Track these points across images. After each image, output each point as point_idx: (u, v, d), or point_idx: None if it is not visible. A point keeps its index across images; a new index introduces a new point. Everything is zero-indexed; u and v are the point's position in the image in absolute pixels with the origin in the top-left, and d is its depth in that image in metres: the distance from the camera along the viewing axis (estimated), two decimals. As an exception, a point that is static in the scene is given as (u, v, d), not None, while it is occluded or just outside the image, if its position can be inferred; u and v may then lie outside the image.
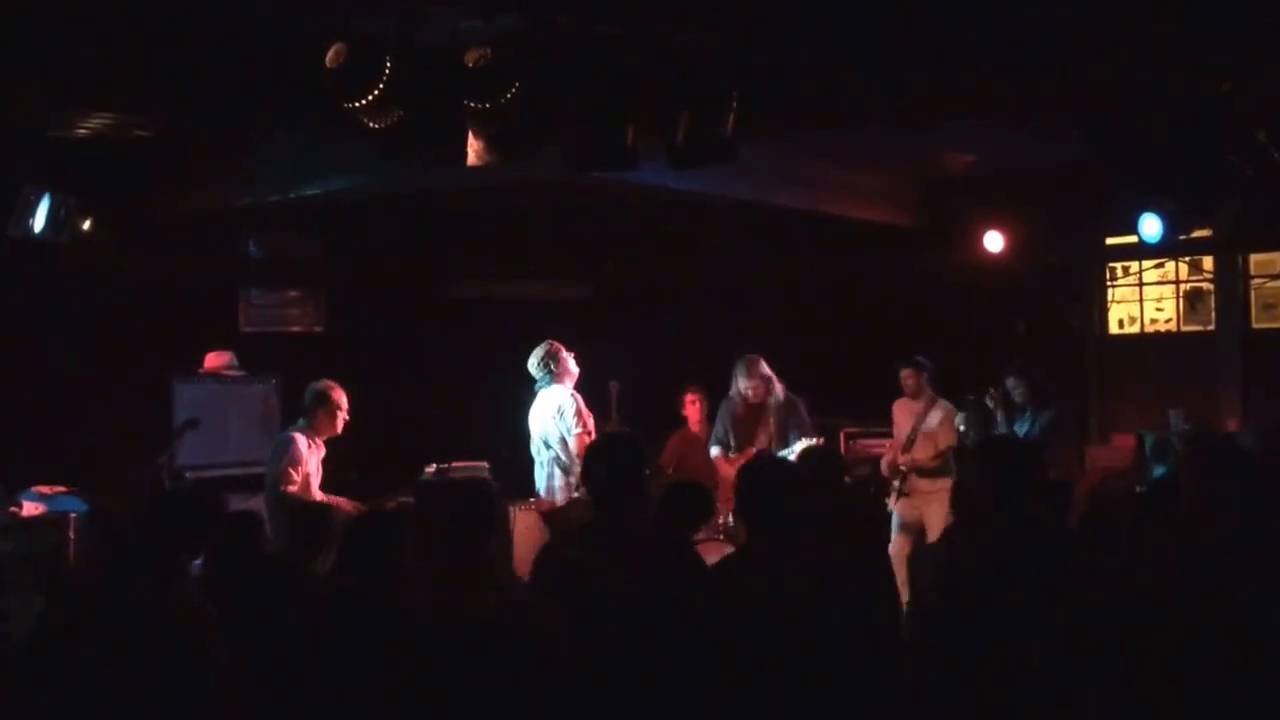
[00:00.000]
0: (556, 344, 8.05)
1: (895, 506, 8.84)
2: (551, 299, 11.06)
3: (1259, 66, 6.93)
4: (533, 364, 8.03)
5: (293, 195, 8.56)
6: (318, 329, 10.88)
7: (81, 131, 7.78)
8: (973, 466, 5.24)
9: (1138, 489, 8.97)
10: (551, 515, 7.79)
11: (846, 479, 9.20)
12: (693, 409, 9.75)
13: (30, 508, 7.33)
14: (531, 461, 8.16)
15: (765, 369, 8.37)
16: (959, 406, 9.00)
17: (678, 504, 5.51)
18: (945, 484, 8.25)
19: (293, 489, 6.89)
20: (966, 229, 10.23)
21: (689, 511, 5.59)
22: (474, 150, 6.28)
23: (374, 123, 5.96)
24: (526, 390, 8.16)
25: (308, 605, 4.52)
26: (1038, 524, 4.36)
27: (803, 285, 11.21)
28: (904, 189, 10.44)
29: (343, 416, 7.23)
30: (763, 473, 4.61)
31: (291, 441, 7.05)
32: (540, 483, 8.02)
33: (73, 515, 7.27)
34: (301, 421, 7.22)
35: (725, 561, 4.57)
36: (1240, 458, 4.48)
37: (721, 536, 8.46)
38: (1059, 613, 3.90)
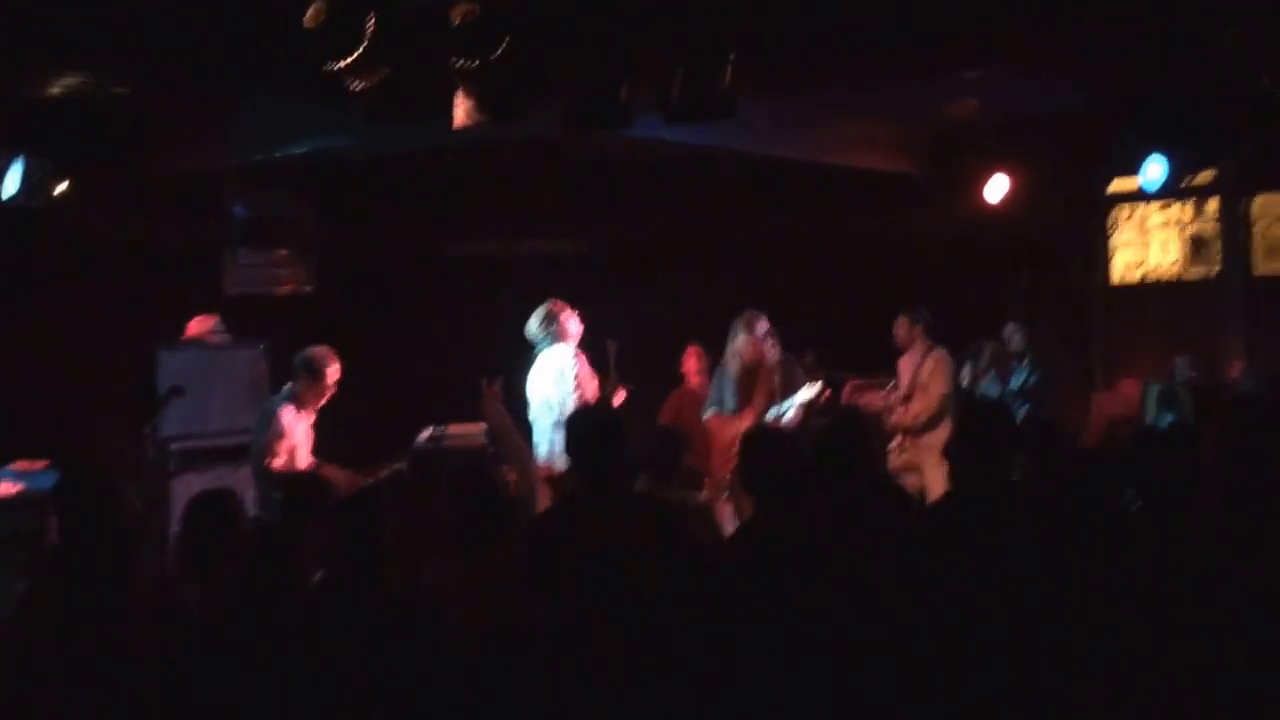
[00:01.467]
0: (558, 303, 7.81)
1: (893, 460, 8.67)
2: (549, 255, 10.86)
3: (1264, 12, 6.76)
4: (532, 325, 7.80)
5: (278, 155, 8.31)
6: (308, 289, 10.65)
7: (55, 91, 7.53)
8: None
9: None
10: (553, 481, 7.59)
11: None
12: (692, 364, 9.60)
13: (6, 487, 7.13)
14: (530, 425, 7.94)
15: (764, 326, 8.11)
16: (963, 358, 8.86)
17: (646, 455, 5.39)
18: (943, 435, 8.15)
19: (278, 463, 6.72)
20: (970, 178, 10.03)
21: (656, 461, 5.46)
22: (463, 110, 6.08)
23: (358, 83, 5.73)
24: (525, 349, 7.92)
25: (290, 595, 4.36)
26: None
27: (805, 238, 10.99)
28: (907, 137, 10.20)
29: (328, 390, 7.01)
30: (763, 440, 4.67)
31: (275, 413, 6.86)
32: (541, 448, 7.77)
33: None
34: (288, 388, 7.02)
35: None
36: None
37: (727, 494, 8.36)
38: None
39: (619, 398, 8.11)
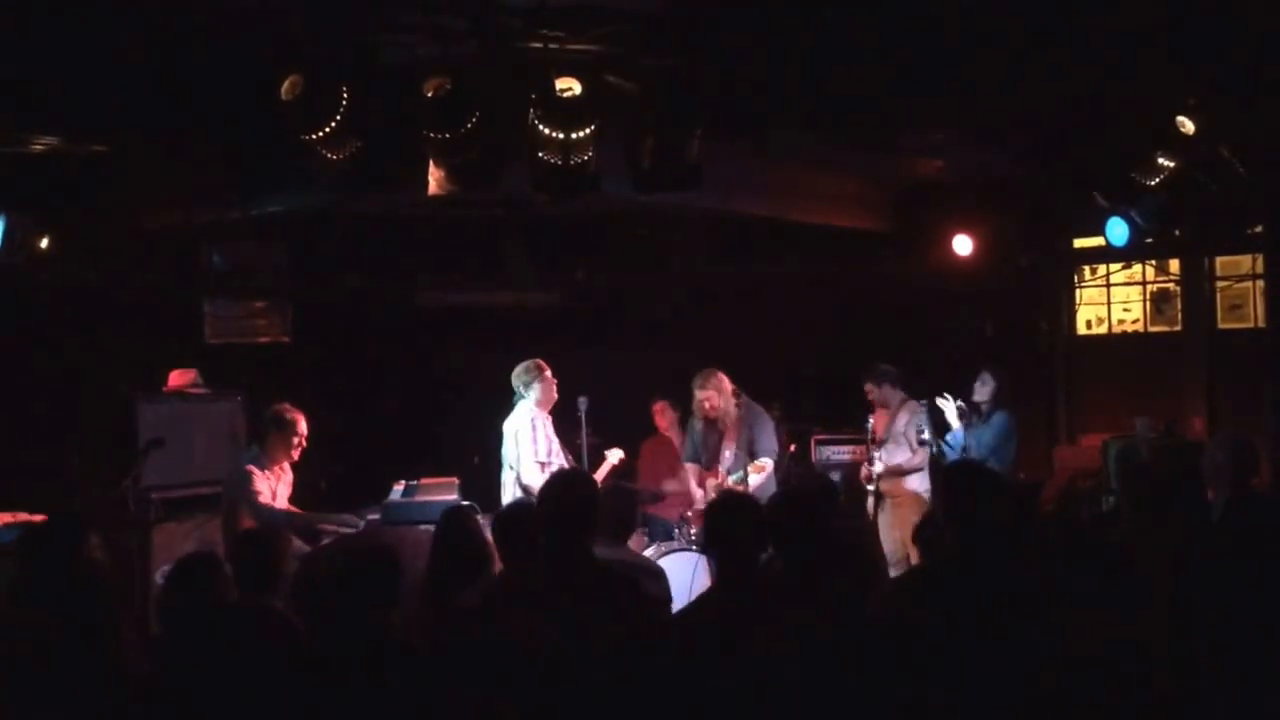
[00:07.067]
0: (542, 364, 7.93)
1: (879, 522, 8.64)
2: (521, 306, 11.00)
3: (1222, 83, 6.95)
4: (513, 375, 7.96)
5: (255, 212, 8.45)
6: (285, 339, 10.77)
7: (37, 148, 7.65)
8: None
9: (1105, 498, 9.04)
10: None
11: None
12: (661, 418, 9.80)
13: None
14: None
15: (720, 382, 8.21)
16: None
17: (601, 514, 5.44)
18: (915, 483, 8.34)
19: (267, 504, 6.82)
20: (936, 233, 10.20)
21: (609, 520, 5.50)
22: (435, 179, 6.25)
23: (332, 154, 5.89)
24: (497, 398, 8.06)
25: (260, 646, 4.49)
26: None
27: (773, 291, 11.13)
28: (873, 194, 10.38)
29: (298, 443, 7.06)
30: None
31: (242, 469, 6.92)
32: (506, 499, 7.93)
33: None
34: (255, 448, 7.09)
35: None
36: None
37: (695, 547, 8.46)
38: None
39: (616, 460, 8.33)
